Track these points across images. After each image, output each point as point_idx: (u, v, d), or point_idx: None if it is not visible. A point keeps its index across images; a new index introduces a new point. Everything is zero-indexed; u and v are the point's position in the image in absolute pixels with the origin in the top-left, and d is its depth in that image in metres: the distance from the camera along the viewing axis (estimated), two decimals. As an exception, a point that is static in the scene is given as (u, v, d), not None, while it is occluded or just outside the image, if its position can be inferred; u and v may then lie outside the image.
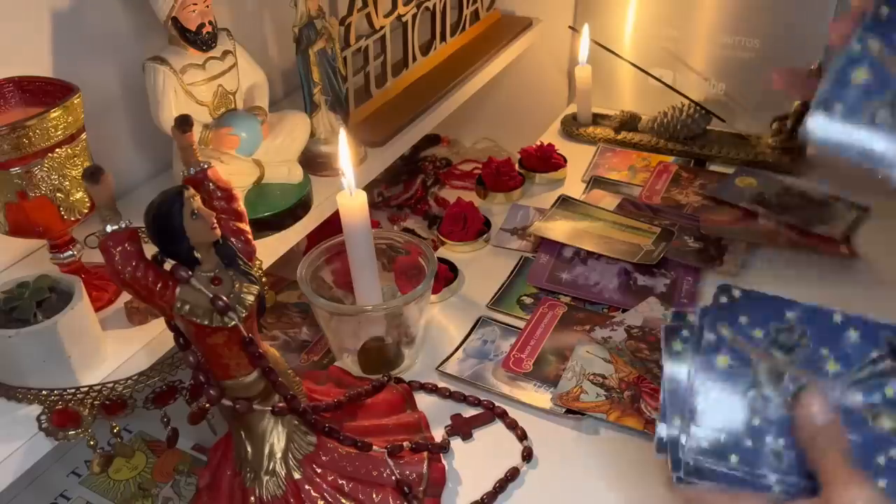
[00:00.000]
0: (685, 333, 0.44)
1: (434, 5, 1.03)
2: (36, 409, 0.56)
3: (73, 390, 0.56)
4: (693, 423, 0.42)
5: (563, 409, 0.70)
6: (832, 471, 0.38)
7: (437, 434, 0.70)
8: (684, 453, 0.42)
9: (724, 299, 0.43)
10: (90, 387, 0.56)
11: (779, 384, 0.42)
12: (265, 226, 0.75)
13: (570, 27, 1.21)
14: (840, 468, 0.38)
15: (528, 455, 0.67)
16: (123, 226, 0.49)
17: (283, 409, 0.59)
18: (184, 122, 0.55)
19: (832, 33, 0.43)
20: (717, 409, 0.42)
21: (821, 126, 0.41)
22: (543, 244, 0.91)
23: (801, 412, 0.40)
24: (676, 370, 0.44)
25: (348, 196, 0.69)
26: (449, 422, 0.71)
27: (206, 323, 0.53)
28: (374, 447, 0.63)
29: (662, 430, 0.43)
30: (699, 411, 0.42)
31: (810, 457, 0.40)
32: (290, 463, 0.60)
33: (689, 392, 0.43)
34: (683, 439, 0.42)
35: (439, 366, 0.76)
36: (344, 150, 0.69)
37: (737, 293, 0.43)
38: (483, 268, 0.91)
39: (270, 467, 0.60)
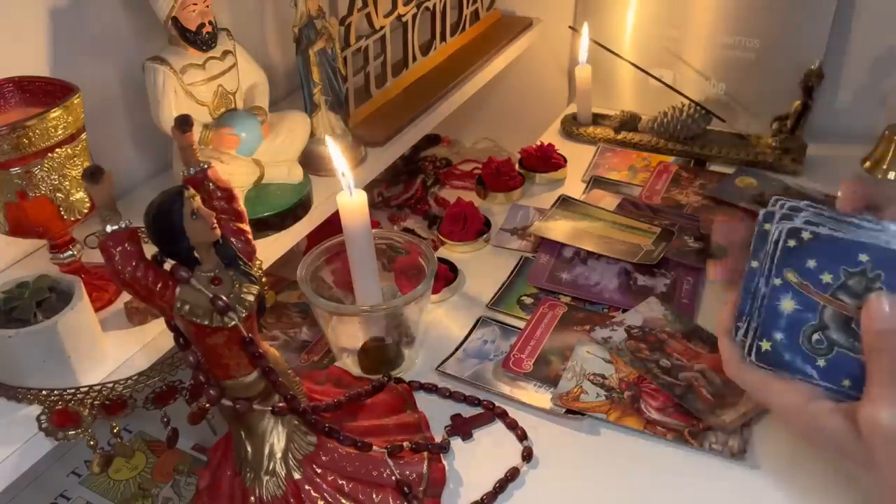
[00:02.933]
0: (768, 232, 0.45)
1: (434, 5, 1.03)
2: (36, 409, 0.56)
3: (73, 390, 0.56)
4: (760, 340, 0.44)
5: (564, 410, 0.70)
6: (878, 382, 0.38)
7: (437, 434, 0.70)
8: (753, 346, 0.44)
9: (792, 243, 0.43)
10: (90, 387, 0.56)
11: (847, 328, 0.42)
12: (265, 226, 0.75)
13: (570, 27, 1.21)
14: (886, 383, 0.38)
15: (528, 455, 0.67)
16: (123, 226, 0.49)
17: (283, 409, 0.59)
18: (184, 122, 0.55)
19: None
20: (780, 349, 0.43)
21: None
22: (543, 244, 0.91)
23: (868, 313, 0.39)
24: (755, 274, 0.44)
25: (348, 196, 0.69)
26: (449, 422, 0.71)
27: (206, 323, 0.53)
28: (374, 447, 0.63)
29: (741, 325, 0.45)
30: (763, 351, 0.43)
31: (870, 359, 0.39)
32: (290, 463, 0.60)
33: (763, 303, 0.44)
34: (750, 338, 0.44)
35: (439, 366, 0.76)
36: (336, 156, 0.69)
37: (806, 235, 0.43)
38: (483, 268, 0.91)
39: (270, 467, 0.60)
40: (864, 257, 0.42)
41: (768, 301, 0.44)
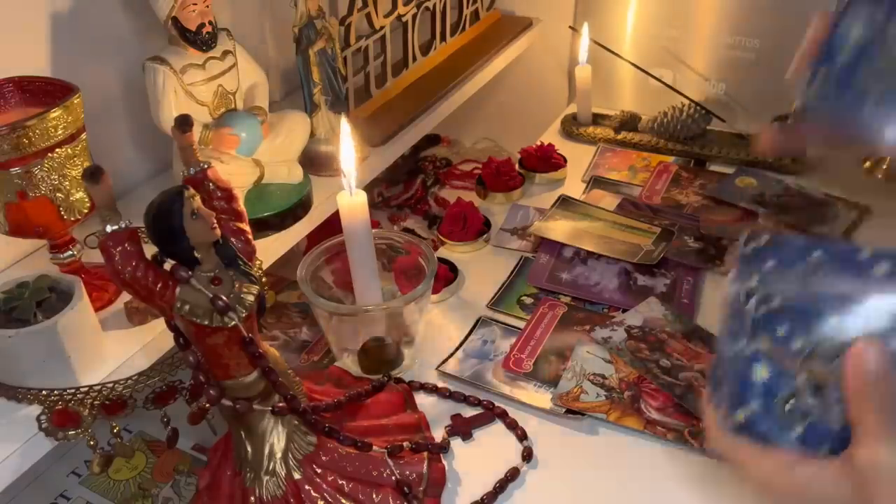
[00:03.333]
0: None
1: (434, 5, 1.03)
2: (36, 409, 0.56)
3: (73, 390, 0.56)
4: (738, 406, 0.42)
5: (563, 409, 0.70)
6: (870, 425, 0.36)
7: (437, 434, 0.70)
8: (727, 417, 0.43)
9: (763, 309, 0.42)
10: (90, 387, 0.56)
11: (821, 394, 0.41)
12: (265, 226, 0.75)
13: (570, 27, 1.21)
14: (879, 421, 0.36)
15: (528, 455, 0.67)
16: (123, 226, 0.49)
17: (283, 409, 0.59)
18: (184, 122, 0.55)
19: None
20: (756, 419, 0.42)
21: None
22: (543, 244, 0.91)
23: (854, 359, 0.37)
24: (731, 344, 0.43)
25: (348, 196, 0.69)
26: (449, 422, 0.71)
27: (206, 323, 0.53)
28: (374, 447, 0.63)
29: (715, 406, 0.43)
30: (738, 422, 0.42)
31: (852, 408, 0.37)
32: (290, 463, 0.60)
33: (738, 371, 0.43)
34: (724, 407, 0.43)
35: (439, 366, 0.76)
36: (347, 146, 0.69)
37: (775, 304, 0.42)
38: (483, 268, 0.91)
39: (270, 467, 0.60)
40: (833, 321, 0.41)
41: (741, 368, 0.43)
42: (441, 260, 0.88)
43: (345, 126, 0.70)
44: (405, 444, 0.65)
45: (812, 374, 0.41)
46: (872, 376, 0.36)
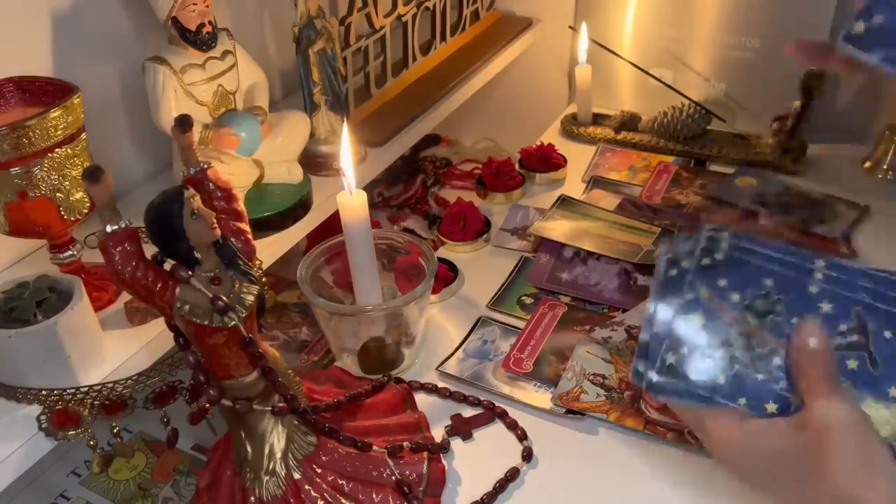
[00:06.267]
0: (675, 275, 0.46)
1: (434, 5, 1.03)
2: (36, 409, 0.56)
3: (73, 390, 0.56)
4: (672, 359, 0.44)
5: (564, 409, 0.70)
6: (818, 387, 0.41)
7: (437, 434, 0.70)
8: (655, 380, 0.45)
9: (706, 261, 0.45)
10: (90, 387, 0.56)
11: (749, 346, 0.44)
12: (265, 226, 0.75)
13: (570, 27, 1.21)
14: (827, 385, 0.41)
15: (528, 455, 0.67)
16: (123, 226, 0.49)
17: (283, 409, 0.59)
18: (184, 122, 0.55)
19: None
20: (690, 360, 0.44)
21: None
22: (543, 244, 0.91)
23: (798, 338, 0.42)
24: (664, 312, 0.45)
25: (348, 196, 0.69)
26: (449, 422, 0.71)
27: (206, 323, 0.53)
28: (374, 447, 0.63)
29: (640, 365, 0.45)
30: (678, 359, 0.44)
31: (801, 379, 0.42)
32: (290, 463, 0.60)
33: (669, 336, 0.45)
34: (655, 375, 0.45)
35: (439, 366, 0.76)
36: (345, 149, 0.69)
37: (719, 256, 0.44)
38: (483, 268, 0.90)
39: (270, 467, 0.60)
40: (767, 282, 0.44)
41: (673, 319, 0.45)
42: (441, 260, 0.88)
43: (345, 133, 0.70)
44: (405, 444, 0.65)
45: (745, 327, 0.44)
46: (818, 349, 0.42)
